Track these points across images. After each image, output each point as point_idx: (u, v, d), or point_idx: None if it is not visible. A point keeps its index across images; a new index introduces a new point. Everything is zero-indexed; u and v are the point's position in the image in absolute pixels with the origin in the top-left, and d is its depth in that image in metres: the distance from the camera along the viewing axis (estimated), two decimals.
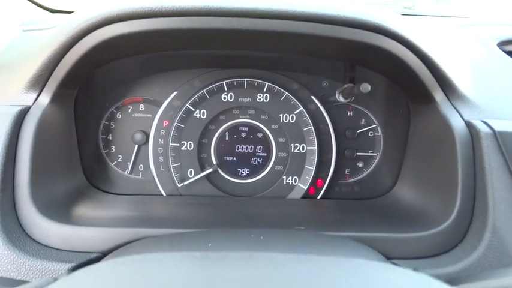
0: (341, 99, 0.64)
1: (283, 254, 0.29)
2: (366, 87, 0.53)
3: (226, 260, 0.27)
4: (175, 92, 0.69)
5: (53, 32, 0.54)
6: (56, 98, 0.54)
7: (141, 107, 0.71)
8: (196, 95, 0.67)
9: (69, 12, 1.06)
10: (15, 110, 0.51)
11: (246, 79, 0.68)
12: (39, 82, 0.53)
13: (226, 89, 0.68)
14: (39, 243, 0.47)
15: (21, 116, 0.51)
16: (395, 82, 0.61)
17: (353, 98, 0.64)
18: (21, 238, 0.47)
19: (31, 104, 0.53)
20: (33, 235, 0.48)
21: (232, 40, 0.52)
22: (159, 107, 0.69)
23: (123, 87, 0.70)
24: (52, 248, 0.47)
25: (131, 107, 0.71)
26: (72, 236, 0.48)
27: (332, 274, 0.27)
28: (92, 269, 0.25)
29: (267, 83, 0.68)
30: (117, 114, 0.71)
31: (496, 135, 0.50)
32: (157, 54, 0.63)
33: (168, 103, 0.68)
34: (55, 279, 0.24)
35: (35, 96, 0.53)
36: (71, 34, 0.50)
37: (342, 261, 0.29)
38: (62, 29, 0.52)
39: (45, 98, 0.53)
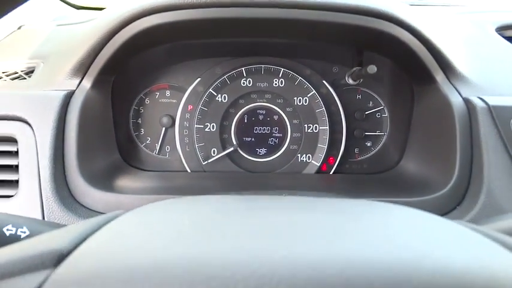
0: (350, 81, 0.70)
1: (317, 198, 0.33)
2: (372, 68, 0.59)
3: (274, 200, 0.32)
4: (199, 79, 0.75)
5: (94, 24, 0.61)
6: (96, 83, 0.61)
7: (167, 93, 0.78)
8: (218, 81, 0.74)
9: (93, 9, 1.13)
10: (62, 94, 0.58)
11: (263, 65, 0.74)
12: (82, 69, 0.60)
13: (245, 75, 0.75)
14: (88, 208, 0.55)
15: (67, 99, 0.58)
16: (399, 65, 0.67)
17: (361, 80, 0.70)
18: (73, 204, 0.54)
19: (75, 89, 0.59)
20: (82, 202, 0.55)
21: (254, 28, 0.59)
22: (184, 92, 0.76)
23: (151, 75, 0.77)
24: (98, 212, 0.55)
25: (158, 93, 0.78)
26: (114, 202, 0.55)
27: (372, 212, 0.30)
28: (159, 204, 0.31)
29: (282, 69, 0.74)
30: (146, 100, 0.77)
31: (490, 109, 0.56)
32: (183, 44, 0.70)
33: (192, 89, 0.75)
34: (123, 213, 0.30)
35: (78, 81, 0.60)
36: (113, 24, 0.57)
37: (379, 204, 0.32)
38: (104, 20, 0.59)
39: (87, 83, 0.60)
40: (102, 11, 0.69)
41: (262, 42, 0.73)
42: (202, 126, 0.74)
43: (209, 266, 0.19)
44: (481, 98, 0.58)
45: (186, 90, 0.75)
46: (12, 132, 0.55)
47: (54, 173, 0.54)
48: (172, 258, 0.20)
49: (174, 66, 0.77)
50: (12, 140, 0.55)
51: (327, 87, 0.76)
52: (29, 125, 0.55)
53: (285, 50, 0.74)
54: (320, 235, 0.23)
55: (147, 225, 0.26)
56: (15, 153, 0.55)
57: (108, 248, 0.22)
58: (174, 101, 0.77)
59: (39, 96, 0.57)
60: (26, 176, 0.54)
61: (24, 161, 0.54)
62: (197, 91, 0.75)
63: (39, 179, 0.53)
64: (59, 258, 0.22)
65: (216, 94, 0.74)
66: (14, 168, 0.55)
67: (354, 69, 0.69)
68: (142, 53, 0.67)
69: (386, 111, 0.79)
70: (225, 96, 0.74)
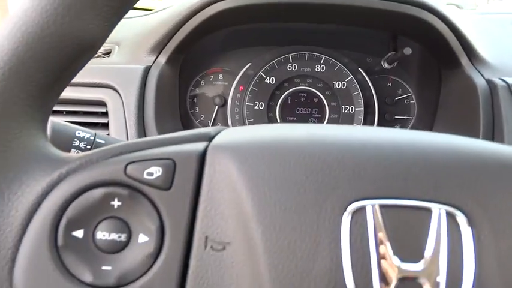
0: (386, 65, 0.80)
1: None
2: (408, 50, 0.70)
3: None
4: (250, 64, 0.86)
5: (170, 11, 0.73)
6: (169, 61, 0.72)
7: (220, 76, 0.88)
8: (267, 65, 0.84)
9: (141, 9, 1.25)
10: (142, 67, 0.69)
11: (307, 52, 0.85)
12: (158, 47, 0.71)
13: (291, 61, 0.85)
14: None
15: (146, 71, 0.69)
16: (429, 49, 0.77)
17: (395, 63, 0.80)
18: None
19: (151, 64, 0.71)
20: None
21: (304, 14, 0.70)
22: (235, 76, 0.86)
23: (207, 60, 0.88)
24: None
25: (212, 76, 0.88)
26: None
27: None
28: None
29: (323, 56, 0.85)
30: (201, 82, 0.88)
31: (510, 88, 0.65)
32: (237, 32, 0.81)
33: (244, 72, 0.86)
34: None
35: (154, 58, 0.71)
36: (189, 11, 0.68)
37: None
38: (180, 7, 0.70)
39: (162, 59, 0.71)
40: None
41: (306, 31, 0.83)
42: (252, 104, 0.85)
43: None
44: (501, 79, 0.67)
45: (237, 74, 0.86)
46: (102, 97, 0.66)
47: (138, 130, 0.65)
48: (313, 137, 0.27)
49: (227, 53, 0.88)
50: (102, 104, 0.66)
51: (362, 74, 0.86)
52: (117, 91, 0.66)
53: (326, 41, 0.85)
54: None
55: (271, 127, 0.31)
56: (105, 114, 0.66)
57: (252, 131, 0.30)
58: (226, 83, 0.88)
59: (123, 69, 0.68)
60: (115, 132, 0.64)
61: (113, 120, 0.65)
62: (248, 74, 0.85)
63: (127, 135, 0.64)
64: (210, 136, 0.28)
65: (265, 76, 0.85)
66: (105, 126, 0.66)
67: (389, 54, 0.79)
68: (203, 39, 0.78)
69: (414, 98, 0.88)
70: (272, 78, 0.85)
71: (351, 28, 0.80)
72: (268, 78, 0.85)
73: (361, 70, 0.86)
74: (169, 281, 0.25)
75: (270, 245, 0.24)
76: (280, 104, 0.86)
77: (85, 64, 0.29)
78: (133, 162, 0.26)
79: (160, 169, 0.26)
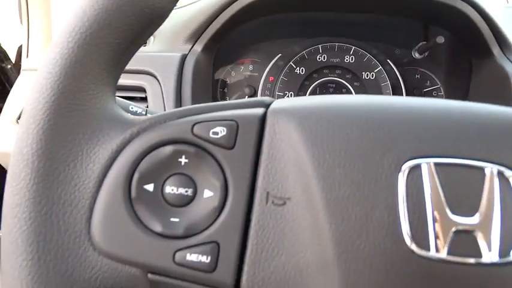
0: (416, 55, 0.81)
1: None
2: (440, 39, 0.70)
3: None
4: (280, 55, 0.87)
5: (206, 2, 0.75)
6: (204, 49, 0.75)
7: (250, 67, 0.90)
8: (297, 55, 0.86)
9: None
10: (179, 55, 0.71)
11: (336, 43, 0.86)
12: (195, 36, 0.74)
13: (321, 51, 0.86)
14: None
15: (183, 59, 0.71)
16: (460, 38, 0.78)
17: (426, 53, 0.81)
18: None
19: (187, 52, 0.73)
20: None
21: (339, 1, 0.72)
22: (265, 67, 0.88)
23: (238, 51, 0.90)
24: None
25: (242, 67, 0.90)
26: None
27: None
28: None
29: (353, 47, 0.86)
30: (232, 72, 0.90)
31: None
32: (268, 23, 0.83)
33: (274, 63, 0.87)
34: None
35: (190, 46, 0.74)
36: (225, 1, 0.71)
37: None
38: None
39: (198, 48, 0.74)
40: None
41: (335, 23, 0.85)
42: (282, 94, 0.86)
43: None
44: None
45: (267, 65, 0.88)
46: (142, 83, 0.69)
47: None
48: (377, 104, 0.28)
49: (256, 45, 0.90)
50: (142, 90, 0.69)
51: (391, 65, 0.87)
52: (156, 77, 0.69)
53: (355, 32, 0.86)
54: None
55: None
56: (144, 99, 0.69)
57: (306, 98, 0.32)
58: (256, 74, 0.90)
59: (161, 57, 0.71)
60: None
61: (152, 105, 0.67)
62: (278, 65, 0.87)
63: None
64: (265, 103, 0.29)
65: (295, 67, 0.86)
66: None
67: (421, 43, 0.80)
68: (234, 31, 0.80)
69: (442, 90, 0.89)
70: (302, 69, 0.86)
71: (380, 19, 0.82)
72: (298, 68, 0.86)
73: (389, 61, 0.87)
74: (233, 232, 0.27)
75: (330, 200, 0.25)
76: (309, 95, 0.87)
77: (152, 33, 0.31)
78: (200, 122, 0.28)
79: (225, 129, 0.28)
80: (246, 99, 0.31)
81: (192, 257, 0.26)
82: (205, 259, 0.26)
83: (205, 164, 0.27)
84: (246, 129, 0.28)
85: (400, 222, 0.25)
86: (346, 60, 0.86)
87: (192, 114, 0.29)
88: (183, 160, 0.28)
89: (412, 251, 0.24)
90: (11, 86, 1.03)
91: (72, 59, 0.27)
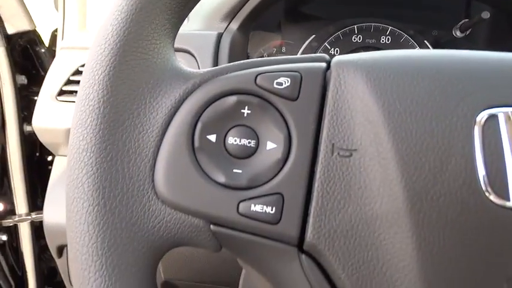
0: (458, 33, 0.79)
1: None
2: (486, 14, 0.68)
3: None
4: (314, 36, 0.86)
5: None
6: (240, 27, 0.74)
7: (283, 49, 0.89)
8: (332, 36, 0.85)
9: None
10: (215, 33, 0.71)
11: (373, 24, 0.84)
12: (230, 15, 0.73)
13: (356, 32, 0.85)
14: None
15: (219, 38, 0.71)
16: (504, 13, 0.75)
17: (468, 32, 0.79)
18: None
19: (223, 31, 0.73)
20: None
21: None
22: (297, 49, 0.87)
23: (270, 33, 0.89)
24: None
25: (275, 49, 0.90)
26: None
27: None
28: None
29: (390, 27, 0.84)
30: (264, 54, 0.90)
31: None
32: (303, 2, 0.81)
33: (308, 44, 0.86)
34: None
35: (226, 25, 0.73)
36: None
37: None
38: None
39: (234, 26, 0.73)
40: None
41: (371, 3, 0.83)
42: None
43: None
44: None
45: (300, 47, 0.87)
46: (180, 60, 0.69)
47: None
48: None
49: (289, 26, 0.89)
50: None
51: (428, 46, 0.84)
52: (193, 55, 0.69)
53: (392, 12, 0.84)
54: None
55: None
56: None
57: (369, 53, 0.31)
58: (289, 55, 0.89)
59: (198, 35, 0.71)
60: None
61: None
62: (312, 46, 0.86)
63: None
64: (326, 58, 0.29)
65: (329, 48, 0.85)
66: None
67: (463, 21, 0.78)
68: (269, 11, 0.79)
69: None
70: (337, 50, 0.85)
71: None
72: (332, 49, 0.85)
73: (427, 42, 0.84)
74: (297, 184, 0.26)
75: (401, 149, 0.25)
76: None
77: None
78: (263, 73, 0.27)
79: (288, 80, 0.27)
80: (307, 55, 0.30)
81: (257, 207, 0.26)
82: (269, 210, 0.26)
83: (268, 115, 0.27)
84: (310, 81, 0.27)
85: (477, 172, 0.24)
86: (382, 41, 0.85)
87: (254, 66, 0.28)
88: (245, 111, 0.27)
89: (490, 201, 0.23)
90: (45, 70, 1.05)
91: (137, 6, 0.26)
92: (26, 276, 1.11)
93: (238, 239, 0.26)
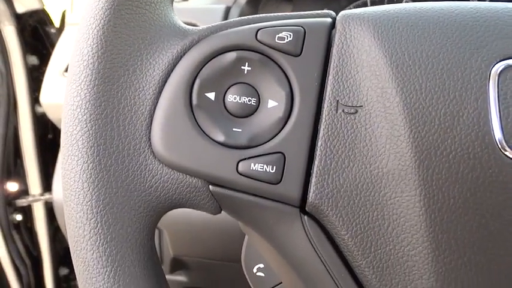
0: None
1: None
2: None
3: None
4: (325, 9, 0.84)
5: None
6: (249, 1, 0.72)
7: None
8: (344, 9, 0.83)
9: None
10: (223, 7, 0.70)
11: None
12: None
13: (369, 4, 0.82)
14: None
15: (227, 11, 0.70)
16: None
17: None
18: None
19: (231, 5, 0.71)
20: None
21: None
22: None
23: (279, 6, 0.87)
24: None
25: None
26: None
27: None
28: None
29: (403, 1, 0.81)
30: None
31: None
32: None
33: None
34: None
35: None
36: None
37: None
38: None
39: (242, 0, 0.72)
40: None
41: None
42: None
43: None
44: None
45: None
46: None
47: None
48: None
49: (295, 2, 0.87)
50: None
51: None
52: None
53: None
54: None
55: None
56: None
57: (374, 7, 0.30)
58: None
59: (206, 9, 0.70)
60: None
61: None
62: None
63: None
64: (332, 14, 0.28)
65: None
66: None
67: None
68: None
69: None
70: None
71: None
72: None
73: None
74: (299, 143, 0.25)
75: (409, 104, 0.23)
76: None
77: None
78: (264, 28, 0.26)
79: (291, 34, 0.26)
80: (311, 11, 0.28)
81: (257, 166, 0.25)
82: (270, 169, 0.24)
83: (270, 72, 0.26)
84: (314, 36, 0.26)
85: (491, 126, 0.22)
86: None
87: (255, 22, 0.27)
88: (246, 68, 0.26)
89: (505, 155, 0.22)
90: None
91: None
92: (41, 256, 1.12)
93: (238, 200, 0.25)
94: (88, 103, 0.24)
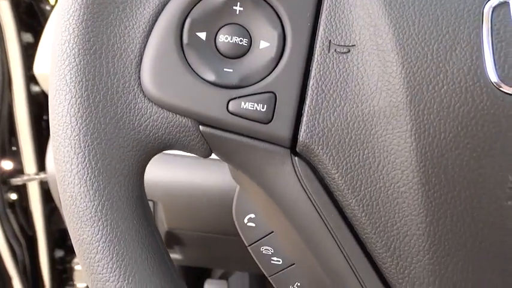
0: None
1: None
2: None
3: None
4: None
5: None
6: None
7: None
8: None
9: None
10: None
11: None
12: None
13: None
14: None
15: None
16: None
17: None
18: None
19: None
20: None
21: None
22: None
23: None
24: None
25: None
26: None
27: None
28: None
29: None
30: None
31: None
32: None
33: None
34: None
35: None
36: None
37: None
38: None
39: None
40: None
41: None
42: None
43: None
44: None
45: None
46: None
47: None
48: None
49: None
50: None
51: None
52: None
53: None
54: None
55: None
56: None
57: None
58: None
59: None
60: None
61: None
62: None
63: None
64: None
65: None
66: None
67: None
68: None
69: None
70: None
71: None
72: None
73: None
74: (291, 83, 0.25)
75: (402, 40, 0.23)
76: None
77: None
78: None
79: None
80: None
81: (247, 105, 0.24)
82: (261, 108, 0.24)
83: (262, 12, 0.25)
84: None
85: (484, 60, 0.22)
86: None
87: None
88: (237, 8, 0.26)
89: (497, 89, 0.22)
90: None
91: None
92: (36, 236, 1.12)
93: (228, 141, 0.25)
94: (76, 38, 0.24)
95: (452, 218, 0.22)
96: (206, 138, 0.25)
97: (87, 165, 0.23)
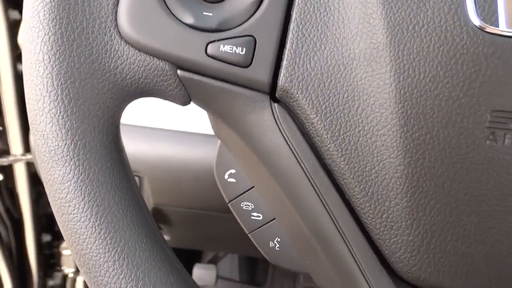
0: None
1: None
2: None
3: None
4: None
5: None
6: None
7: None
8: None
9: None
10: None
11: None
12: None
13: None
14: None
15: None
16: None
17: None
18: None
19: None
20: None
21: None
22: None
23: None
24: None
25: None
26: None
27: None
28: None
29: None
30: None
31: None
32: None
33: None
34: None
35: None
36: None
37: None
38: None
39: None
40: None
41: None
42: None
43: None
44: None
45: None
46: None
47: None
48: None
49: None
50: None
51: None
52: None
53: None
54: None
55: None
56: None
57: None
58: None
59: None
60: None
61: None
62: None
63: None
64: None
65: None
66: None
67: None
68: None
69: None
70: None
71: None
72: None
73: None
74: (271, 27, 0.24)
75: None
76: None
77: None
78: None
79: None
80: None
81: (226, 48, 0.24)
82: (240, 51, 0.24)
83: None
84: None
85: (466, 5, 0.22)
86: None
87: None
88: None
89: (478, 28, 0.21)
90: None
91: None
92: (22, 219, 1.11)
93: (207, 86, 0.25)
94: None
95: (431, 159, 0.22)
96: (184, 83, 0.25)
97: (60, 103, 0.22)
